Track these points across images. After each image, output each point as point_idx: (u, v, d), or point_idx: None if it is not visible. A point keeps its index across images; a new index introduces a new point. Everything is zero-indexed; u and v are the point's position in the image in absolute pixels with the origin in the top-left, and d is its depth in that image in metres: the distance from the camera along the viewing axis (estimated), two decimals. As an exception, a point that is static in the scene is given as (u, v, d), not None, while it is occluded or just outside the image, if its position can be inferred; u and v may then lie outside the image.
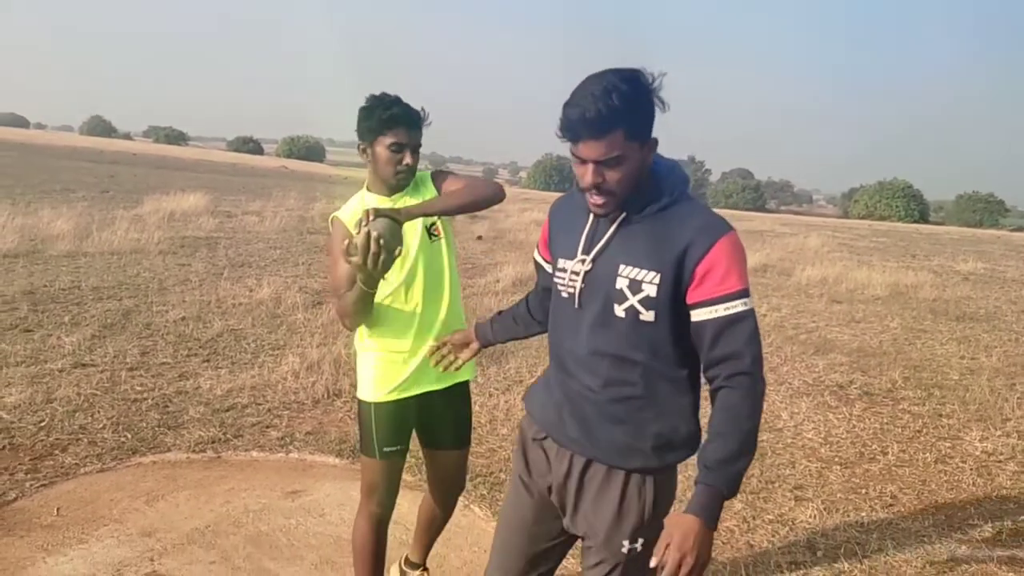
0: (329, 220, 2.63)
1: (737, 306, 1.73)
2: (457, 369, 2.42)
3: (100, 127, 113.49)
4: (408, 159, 2.50)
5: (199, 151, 73.32)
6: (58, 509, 3.55)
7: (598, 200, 1.76)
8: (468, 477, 4.16)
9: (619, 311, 1.80)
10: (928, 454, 4.94)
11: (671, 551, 1.63)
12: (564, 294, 1.91)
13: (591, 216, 1.85)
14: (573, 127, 1.67)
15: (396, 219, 2.16)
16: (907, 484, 4.45)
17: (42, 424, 4.44)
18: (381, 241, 2.08)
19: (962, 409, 5.91)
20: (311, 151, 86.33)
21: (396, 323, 2.57)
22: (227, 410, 4.88)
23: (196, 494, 3.79)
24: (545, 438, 2.00)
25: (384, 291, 2.50)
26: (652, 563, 1.67)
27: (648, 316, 1.78)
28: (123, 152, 45.75)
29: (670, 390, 1.85)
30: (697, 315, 1.76)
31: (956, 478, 4.58)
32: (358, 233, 2.11)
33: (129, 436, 4.38)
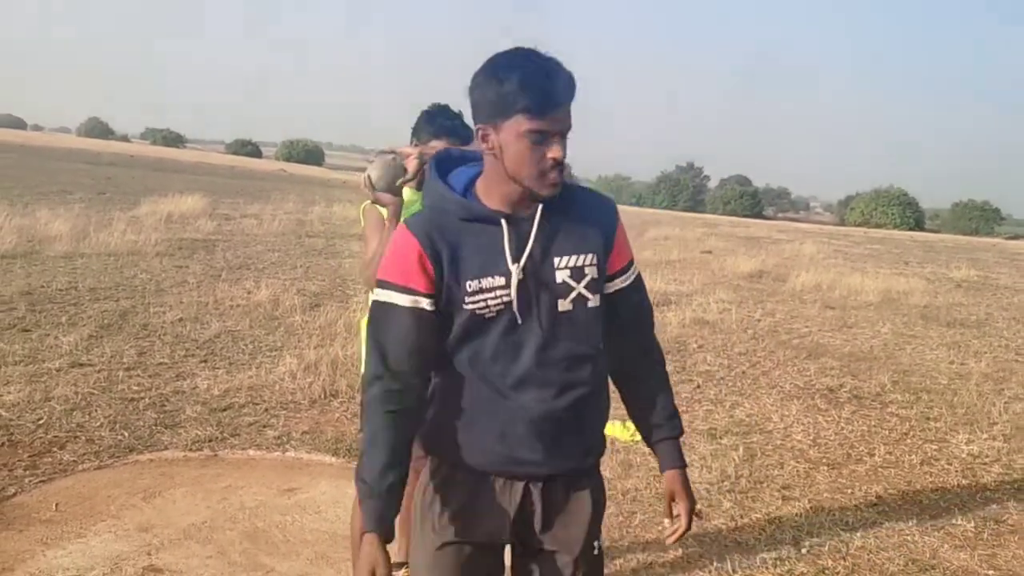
0: (361, 210, 2.70)
1: (636, 270, 1.84)
2: None
3: (97, 129, 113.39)
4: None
5: (197, 153, 73.19)
6: (56, 504, 3.61)
7: (557, 178, 1.64)
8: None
9: (564, 305, 1.70)
10: (914, 456, 5.02)
11: (684, 504, 1.79)
12: (488, 315, 1.68)
13: (503, 222, 1.67)
14: (553, 93, 1.59)
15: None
16: (892, 485, 4.53)
17: (40, 422, 4.50)
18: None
19: (949, 413, 5.99)
20: (310, 155, 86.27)
21: None
22: (224, 410, 4.95)
23: (192, 491, 3.86)
24: (486, 479, 1.76)
25: None
26: (667, 535, 1.83)
27: (595, 301, 1.73)
28: (120, 154, 45.74)
29: (603, 377, 1.82)
30: (614, 285, 1.79)
31: (941, 479, 4.66)
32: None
33: (126, 434, 4.44)
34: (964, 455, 5.08)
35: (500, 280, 1.66)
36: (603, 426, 1.85)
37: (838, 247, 23.94)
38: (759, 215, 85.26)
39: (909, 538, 3.85)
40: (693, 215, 48.22)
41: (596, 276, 1.73)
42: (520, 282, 1.66)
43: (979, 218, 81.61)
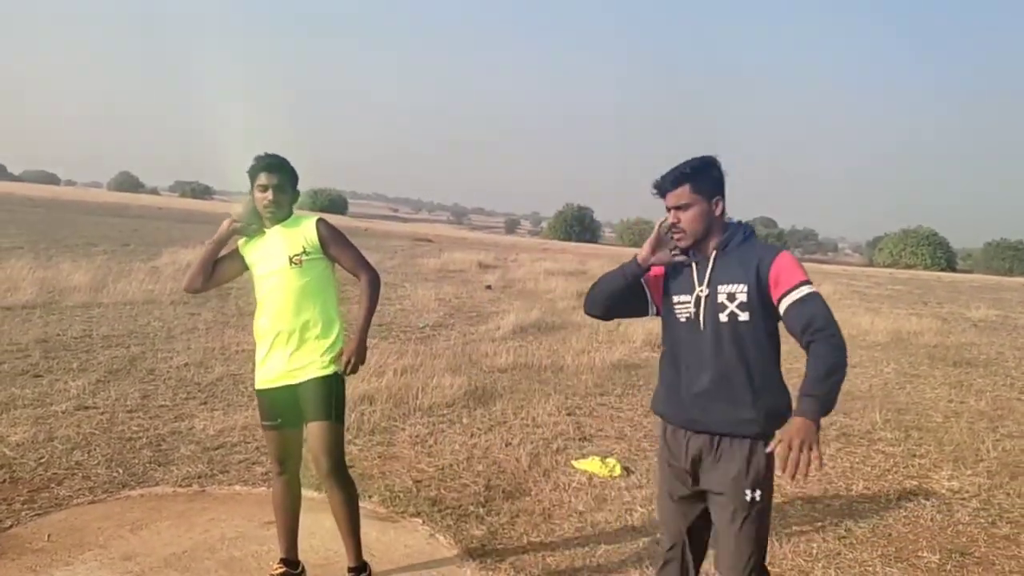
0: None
1: (806, 288, 2.49)
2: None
3: (128, 182, 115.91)
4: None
5: (225, 205, 74.57)
6: (49, 535, 3.80)
7: (676, 235, 2.67)
8: (437, 509, 4.38)
9: (723, 317, 2.58)
10: (892, 491, 5.09)
11: (793, 437, 2.26)
12: (682, 319, 2.68)
13: (693, 264, 2.68)
14: (660, 185, 2.67)
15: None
16: (864, 519, 4.59)
17: (42, 460, 4.73)
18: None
19: (937, 450, 6.04)
20: (334, 204, 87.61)
21: (257, 325, 3.36)
22: (217, 448, 5.14)
23: (177, 523, 4.03)
24: (675, 429, 2.71)
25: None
26: (769, 449, 2.44)
27: (744, 316, 2.56)
28: (149, 207, 46.83)
29: (760, 376, 2.57)
30: (784, 304, 2.51)
31: (915, 514, 4.71)
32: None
33: (121, 471, 4.65)
34: (943, 491, 5.14)
35: (690, 296, 2.67)
36: (764, 409, 2.54)
37: (857, 288, 23.86)
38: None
39: (871, 569, 3.93)
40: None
41: (746, 300, 2.56)
42: (703, 298, 2.63)
43: (1013, 257, 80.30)
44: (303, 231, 3.31)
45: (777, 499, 4.84)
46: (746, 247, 2.64)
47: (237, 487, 4.58)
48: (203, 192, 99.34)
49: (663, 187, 2.66)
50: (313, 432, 3.29)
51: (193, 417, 5.74)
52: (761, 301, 2.54)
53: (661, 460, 2.82)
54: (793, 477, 2.25)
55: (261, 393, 3.39)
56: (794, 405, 2.39)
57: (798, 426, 2.27)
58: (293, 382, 3.30)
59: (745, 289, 2.55)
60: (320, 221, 3.36)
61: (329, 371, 3.30)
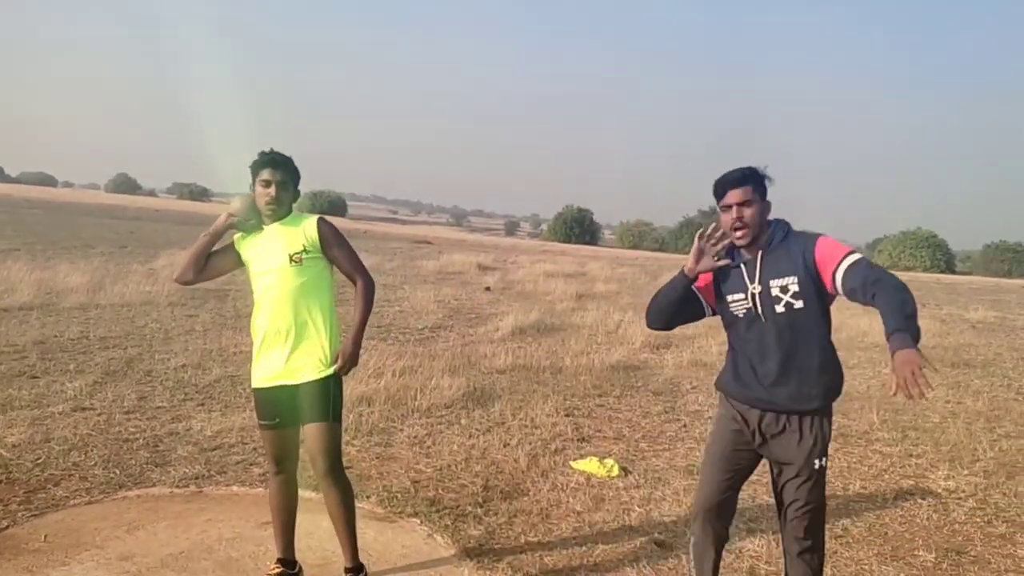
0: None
1: (853, 256, 2.76)
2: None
3: (125, 184, 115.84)
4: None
5: (223, 206, 74.55)
6: (45, 536, 3.80)
7: (738, 233, 2.92)
8: (434, 509, 4.38)
9: (779, 308, 2.88)
10: (889, 491, 5.09)
11: (901, 366, 2.38)
12: (741, 314, 2.98)
13: (742, 265, 2.97)
14: (723, 183, 2.93)
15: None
16: (860, 518, 4.60)
17: (38, 461, 4.72)
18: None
19: (934, 450, 6.05)
20: (333, 206, 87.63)
21: (255, 324, 3.34)
22: (214, 449, 5.14)
23: (174, 524, 4.03)
24: (740, 405, 3.03)
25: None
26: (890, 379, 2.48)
27: (799, 304, 2.85)
28: (146, 208, 46.84)
29: (817, 358, 2.89)
30: (837, 276, 2.76)
31: (911, 513, 4.72)
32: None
33: (118, 472, 4.65)
34: (939, 490, 5.14)
35: (745, 294, 2.97)
36: (824, 385, 2.91)
37: (855, 290, 23.81)
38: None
39: (867, 567, 3.93)
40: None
41: (799, 289, 2.84)
42: (756, 295, 2.93)
43: (1012, 259, 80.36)
44: (304, 229, 3.30)
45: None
46: (788, 242, 2.93)
47: (234, 488, 4.58)
48: (201, 194, 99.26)
49: (727, 185, 2.93)
50: (310, 433, 3.28)
51: (190, 418, 5.73)
52: (813, 286, 2.84)
53: (722, 421, 3.13)
54: (911, 396, 2.41)
55: (258, 391, 3.37)
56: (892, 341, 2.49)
57: (905, 356, 2.41)
58: (291, 382, 3.29)
59: (796, 280, 2.85)
60: (322, 220, 3.36)
61: (327, 372, 3.29)
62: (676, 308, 3.10)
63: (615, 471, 5.19)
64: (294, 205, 3.43)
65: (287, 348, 3.27)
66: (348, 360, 3.33)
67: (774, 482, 3.07)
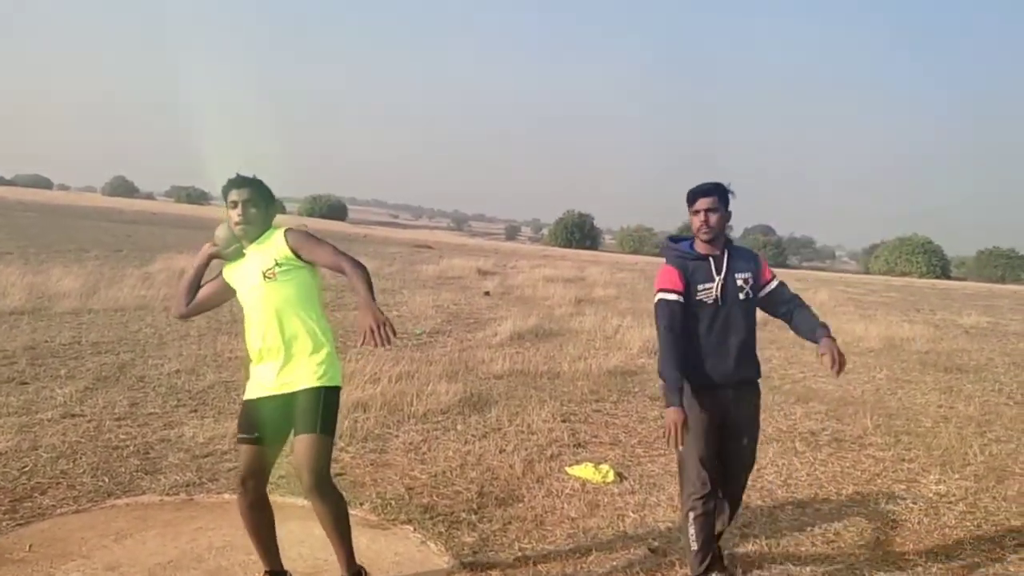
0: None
1: (778, 280, 3.70)
2: None
3: (122, 187, 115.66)
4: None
5: (220, 210, 74.51)
6: (30, 546, 3.76)
7: (703, 234, 3.56)
8: (428, 516, 4.36)
9: (740, 296, 3.57)
10: (881, 495, 5.08)
11: (833, 349, 3.40)
12: (708, 301, 3.53)
13: (709, 259, 3.57)
14: (695, 192, 3.57)
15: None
16: (853, 523, 4.58)
17: (25, 469, 4.68)
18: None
19: (926, 454, 6.03)
20: (333, 209, 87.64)
21: (247, 342, 3.33)
22: (206, 456, 5.11)
23: (163, 532, 3.99)
24: (714, 389, 3.55)
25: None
26: (822, 354, 3.42)
27: (751, 295, 3.61)
28: (143, 212, 46.75)
29: (754, 336, 3.66)
30: (769, 287, 3.67)
31: (902, 517, 4.70)
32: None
33: (107, 480, 4.61)
34: (931, 494, 5.13)
35: (713, 284, 3.55)
36: (755, 357, 3.67)
37: (852, 295, 23.90)
38: (783, 264, 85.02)
39: (858, 572, 3.92)
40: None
41: (752, 283, 3.61)
42: (721, 285, 3.55)
43: (1005, 265, 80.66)
44: (273, 243, 3.27)
45: (767, 505, 4.84)
46: (741, 249, 3.70)
47: (226, 496, 4.53)
48: (199, 197, 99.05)
49: (697, 194, 3.58)
50: (297, 445, 3.21)
51: (183, 425, 5.70)
52: (757, 286, 3.65)
53: (696, 418, 3.52)
54: (839, 373, 3.45)
55: (247, 403, 3.33)
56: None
57: (832, 343, 3.44)
58: (284, 391, 3.24)
59: (751, 276, 3.61)
60: (287, 230, 3.31)
61: (321, 383, 3.24)
62: (682, 335, 3.58)
63: (610, 477, 5.16)
64: (273, 220, 3.41)
65: (279, 362, 3.23)
66: (374, 321, 2.90)
67: (727, 448, 3.63)
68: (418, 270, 19.99)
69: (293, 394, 3.23)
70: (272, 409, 3.26)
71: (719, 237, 3.58)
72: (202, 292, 3.45)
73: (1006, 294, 32.36)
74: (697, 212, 3.55)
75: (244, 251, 3.34)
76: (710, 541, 3.62)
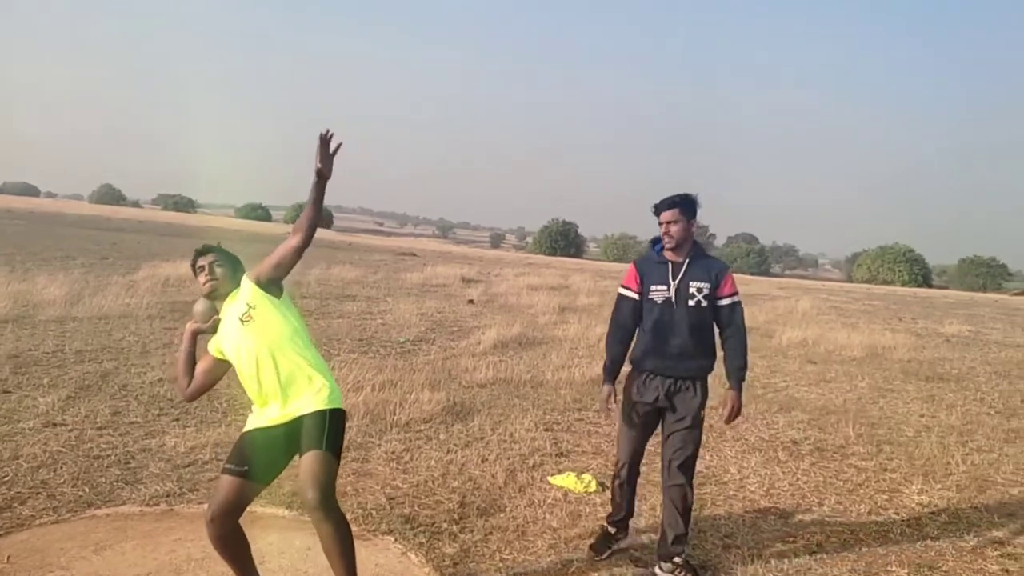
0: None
1: (735, 299, 3.98)
2: None
3: (109, 195, 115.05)
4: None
5: (206, 218, 74.27)
6: (8, 557, 3.74)
7: (667, 242, 3.95)
8: (409, 526, 4.36)
9: (691, 302, 3.90)
10: (863, 505, 5.11)
11: (730, 405, 3.96)
12: (659, 300, 3.95)
13: (669, 264, 3.97)
14: (659, 205, 3.95)
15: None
16: (835, 533, 4.61)
17: (5, 479, 4.65)
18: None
19: (908, 464, 6.08)
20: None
21: (249, 394, 3.32)
22: (187, 466, 5.08)
23: (143, 543, 3.97)
24: (652, 376, 4.01)
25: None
26: (722, 409, 4.01)
27: (704, 303, 3.91)
28: (130, 220, 46.50)
29: (708, 341, 3.97)
30: (723, 302, 3.94)
31: (885, 528, 4.74)
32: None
33: (87, 490, 4.58)
34: (913, 504, 5.17)
35: (666, 287, 3.96)
36: (708, 362, 3.99)
37: (835, 303, 24.06)
38: (766, 272, 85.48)
39: (840, 583, 3.93)
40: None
41: (707, 293, 3.91)
42: (675, 288, 3.93)
43: (986, 274, 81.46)
44: (242, 291, 3.30)
45: (750, 515, 4.86)
46: (708, 260, 4.03)
47: (207, 506, 4.51)
48: (186, 205, 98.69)
49: (661, 207, 3.95)
50: (303, 463, 3.13)
51: (164, 434, 5.67)
52: (713, 296, 3.93)
53: (628, 400, 4.12)
54: (728, 423, 4.04)
55: (245, 433, 3.29)
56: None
57: (734, 397, 3.98)
58: (288, 419, 3.22)
59: (707, 287, 3.93)
60: (247, 274, 3.35)
61: (326, 406, 3.22)
62: (626, 325, 4.13)
63: (592, 487, 5.17)
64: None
65: (278, 400, 3.22)
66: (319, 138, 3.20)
67: (666, 432, 4.02)
68: (402, 278, 19.97)
69: (298, 419, 3.21)
70: (272, 438, 3.22)
71: (682, 246, 3.95)
72: (198, 370, 3.46)
73: (987, 302, 32.68)
74: (661, 224, 3.96)
75: (220, 316, 3.37)
76: (625, 505, 4.24)
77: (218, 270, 3.38)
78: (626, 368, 4.20)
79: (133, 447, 5.36)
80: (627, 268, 4.19)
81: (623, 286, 4.12)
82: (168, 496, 4.60)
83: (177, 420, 6.07)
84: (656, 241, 4.10)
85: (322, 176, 3.21)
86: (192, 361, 3.47)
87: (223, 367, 3.44)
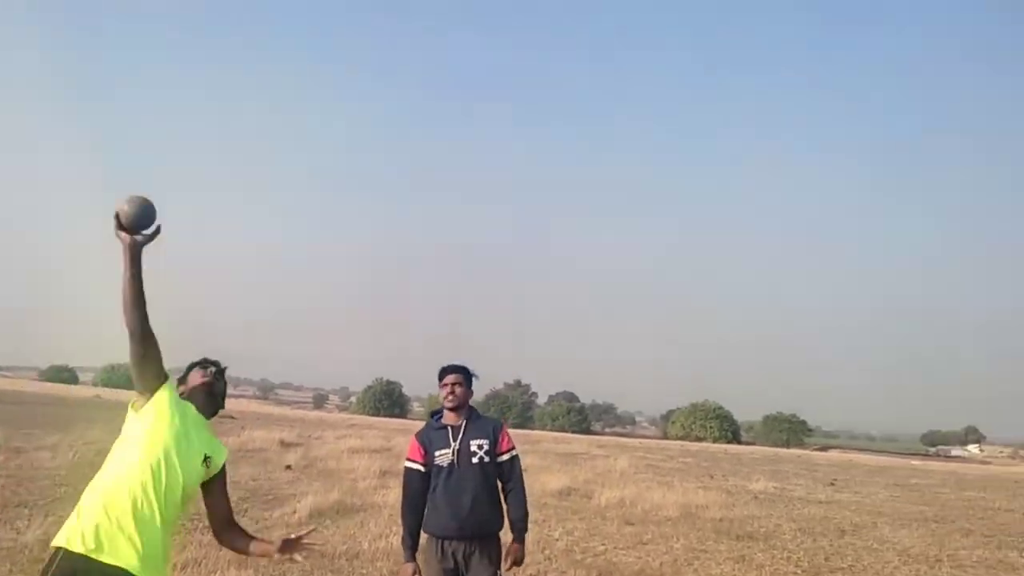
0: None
1: (513, 453, 4.35)
2: None
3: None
4: None
5: (6, 381, 68.11)
6: None
7: (449, 403, 4.28)
8: None
9: (475, 460, 4.19)
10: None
11: (512, 555, 4.20)
12: (444, 463, 4.17)
13: (448, 427, 4.26)
14: (445, 370, 4.32)
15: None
16: None
17: None
18: None
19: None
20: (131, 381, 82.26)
21: None
22: None
23: None
24: (446, 540, 4.12)
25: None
26: (504, 559, 4.20)
27: (487, 459, 4.22)
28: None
29: (495, 498, 4.26)
30: (503, 457, 4.30)
31: None
32: None
33: None
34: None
35: (449, 450, 4.21)
36: (498, 519, 4.23)
37: (651, 461, 24.90)
38: (587, 430, 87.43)
39: None
40: (521, 431, 48.83)
41: (488, 449, 4.23)
42: (457, 451, 4.19)
43: (788, 430, 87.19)
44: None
45: None
46: (483, 419, 4.40)
47: None
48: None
49: (447, 371, 4.32)
50: None
51: None
52: (493, 452, 4.24)
53: (434, 567, 4.15)
54: (508, 570, 4.22)
55: None
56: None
57: (516, 548, 4.23)
58: None
59: (488, 443, 4.24)
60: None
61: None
62: (417, 496, 4.27)
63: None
64: None
65: None
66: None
67: None
68: (219, 443, 18.96)
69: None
70: None
71: (462, 407, 4.30)
72: None
73: (790, 458, 34.87)
74: (445, 385, 4.29)
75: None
76: None
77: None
78: (424, 538, 4.29)
79: None
80: (410, 442, 4.39)
81: (408, 459, 4.32)
82: None
83: None
84: (434, 414, 4.41)
85: (131, 246, 2.76)
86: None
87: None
